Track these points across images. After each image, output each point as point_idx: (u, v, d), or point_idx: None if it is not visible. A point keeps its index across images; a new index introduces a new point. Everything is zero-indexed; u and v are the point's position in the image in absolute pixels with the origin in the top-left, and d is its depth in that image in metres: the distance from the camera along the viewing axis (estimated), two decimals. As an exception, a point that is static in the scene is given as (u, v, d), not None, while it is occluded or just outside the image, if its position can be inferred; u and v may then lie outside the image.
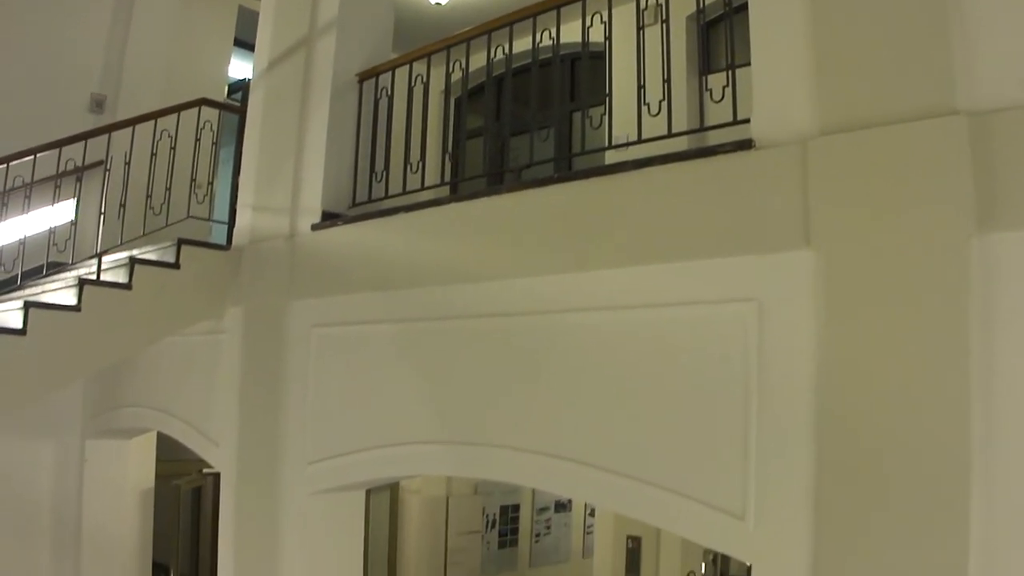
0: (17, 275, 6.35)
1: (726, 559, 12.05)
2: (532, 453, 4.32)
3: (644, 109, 4.38)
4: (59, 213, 6.71)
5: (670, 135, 4.27)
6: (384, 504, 10.89)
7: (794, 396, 3.42)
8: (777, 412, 3.47)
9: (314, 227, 5.84)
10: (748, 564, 11.07)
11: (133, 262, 5.95)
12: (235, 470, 6.21)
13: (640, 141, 4.30)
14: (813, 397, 3.36)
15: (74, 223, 6.67)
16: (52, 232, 6.56)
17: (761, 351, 3.54)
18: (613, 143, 4.52)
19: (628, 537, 9.16)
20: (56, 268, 6.45)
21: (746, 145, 3.71)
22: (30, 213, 6.47)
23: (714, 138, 3.92)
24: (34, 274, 6.44)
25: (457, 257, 4.91)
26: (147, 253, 6.30)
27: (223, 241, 6.68)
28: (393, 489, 11.21)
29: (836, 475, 3.28)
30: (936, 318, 3.11)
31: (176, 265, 6.14)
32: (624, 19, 4.63)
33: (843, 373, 3.31)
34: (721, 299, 3.73)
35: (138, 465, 9.29)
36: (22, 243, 6.43)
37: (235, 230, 6.56)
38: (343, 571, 5.96)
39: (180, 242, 6.22)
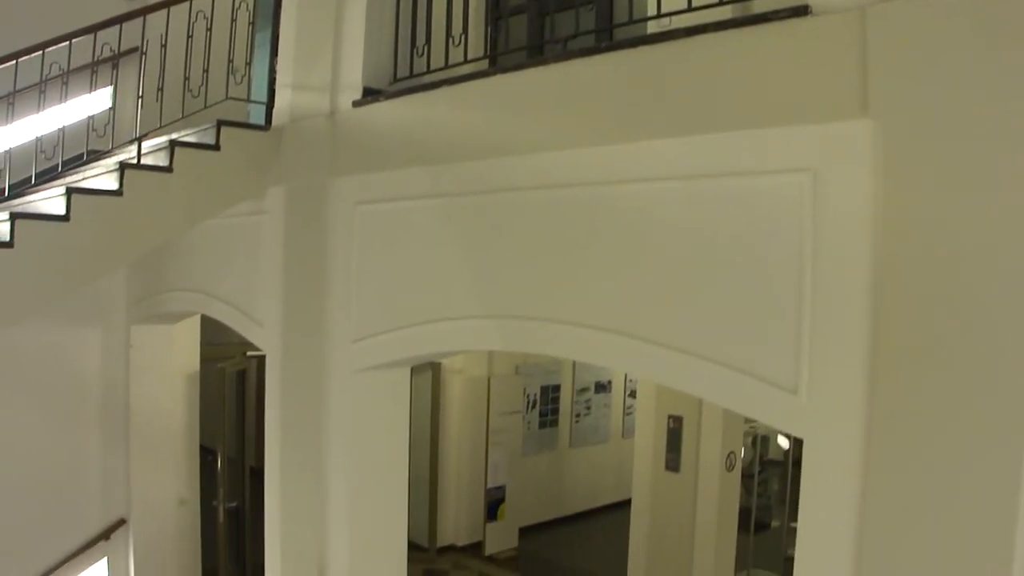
0: (58, 163, 6.35)
1: (766, 441, 12.17)
2: (580, 327, 4.29)
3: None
4: (97, 100, 6.66)
5: (720, 3, 4.10)
6: (426, 384, 11.03)
7: (849, 269, 3.34)
8: (832, 285, 3.40)
9: (355, 104, 5.73)
10: (787, 449, 11.20)
11: (173, 145, 5.90)
12: (280, 350, 6.27)
13: (690, 9, 4.13)
14: (869, 269, 3.28)
15: (112, 109, 6.62)
16: (91, 119, 6.52)
17: (816, 223, 3.45)
18: (660, 12, 4.36)
19: (669, 417, 9.21)
20: (96, 155, 6.44)
21: (802, 11, 3.55)
22: (68, 101, 6.43)
23: (766, 4, 3.76)
24: (74, 161, 6.43)
25: (501, 130, 4.81)
26: (187, 136, 6.25)
27: (262, 122, 6.60)
28: (435, 369, 11.34)
29: (891, 349, 3.22)
30: (996, 189, 3.01)
31: (216, 147, 6.09)
32: None
33: (900, 244, 3.21)
34: (775, 169, 3.62)
35: (183, 349, 9.42)
36: (61, 131, 6.42)
37: (274, 110, 6.47)
38: (389, 448, 6.06)
39: (219, 124, 6.15)
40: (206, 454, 9.81)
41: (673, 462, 9.25)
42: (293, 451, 6.25)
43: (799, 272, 3.49)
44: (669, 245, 3.97)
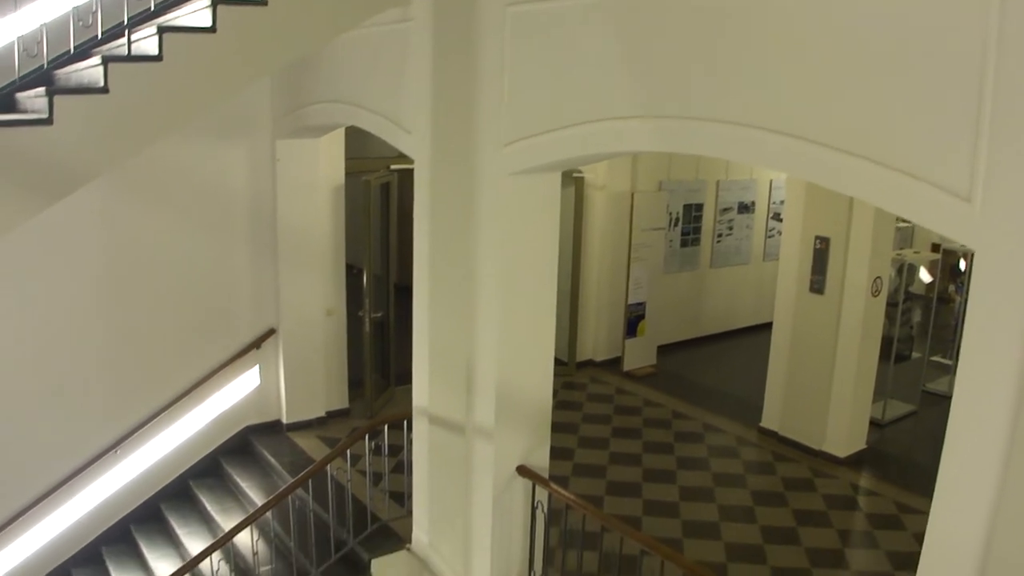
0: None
1: (912, 270, 11.79)
2: (742, 126, 4.06)
3: None
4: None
5: None
6: (569, 200, 10.92)
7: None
8: (1015, 92, 3.08)
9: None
10: (929, 282, 10.81)
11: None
12: (429, 156, 6.23)
13: None
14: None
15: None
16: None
17: (1002, 25, 3.08)
18: None
19: (816, 237, 8.95)
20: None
21: None
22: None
23: None
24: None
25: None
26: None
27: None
28: (578, 185, 11.22)
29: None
30: None
31: (363, -51, 5.89)
32: None
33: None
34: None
35: (328, 163, 9.53)
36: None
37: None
38: (539, 253, 6.04)
39: (365, -76, 5.93)
40: (352, 272, 9.99)
41: (818, 284, 9.06)
42: (442, 258, 6.29)
43: (980, 75, 3.17)
44: (842, 40, 3.67)
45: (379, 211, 10.02)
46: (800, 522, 7.74)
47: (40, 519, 8.44)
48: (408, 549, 7.10)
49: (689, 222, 13.13)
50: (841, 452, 9.05)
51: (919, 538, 5.40)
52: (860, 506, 8.17)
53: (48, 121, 4.84)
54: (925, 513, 3.57)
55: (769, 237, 14.23)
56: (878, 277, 8.84)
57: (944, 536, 3.53)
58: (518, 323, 5.94)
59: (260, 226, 9.30)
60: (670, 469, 8.84)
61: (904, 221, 14.29)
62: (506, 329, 5.89)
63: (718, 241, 13.68)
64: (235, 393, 9.45)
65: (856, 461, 9.04)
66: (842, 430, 9.07)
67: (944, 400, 10.62)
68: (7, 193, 4.79)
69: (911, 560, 6.27)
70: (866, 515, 7.98)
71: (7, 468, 8.22)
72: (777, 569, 6.98)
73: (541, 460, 6.26)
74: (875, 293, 8.87)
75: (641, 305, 11.90)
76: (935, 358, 11.85)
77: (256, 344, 9.40)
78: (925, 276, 12.38)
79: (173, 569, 6.81)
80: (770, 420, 9.75)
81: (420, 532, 6.95)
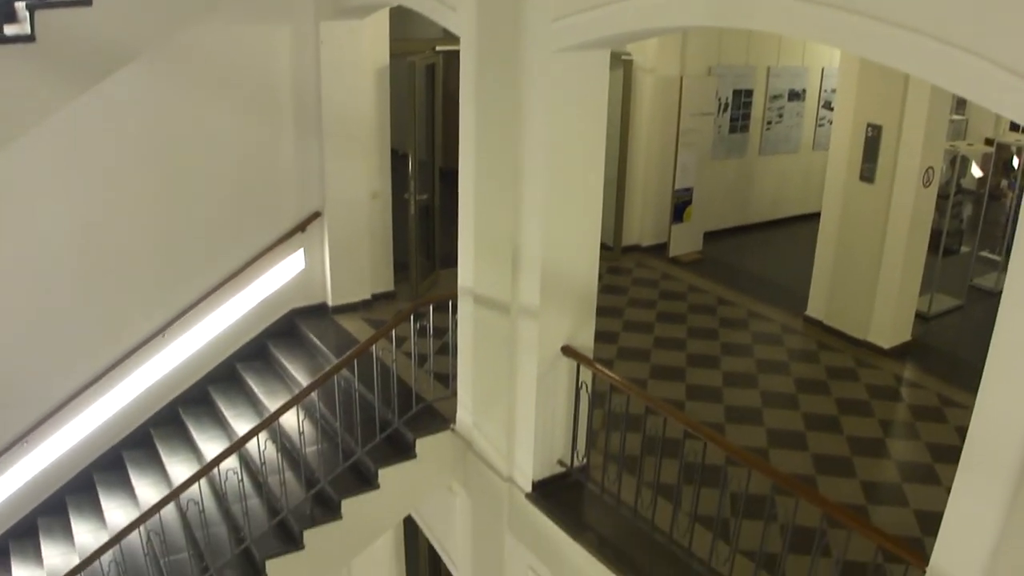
0: None
1: (965, 163, 11.49)
2: (808, 1, 3.89)
3: None
4: None
5: None
6: (617, 83, 10.74)
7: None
8: None
9: None
10: (980, 177, 10.60)
11: None
12: (475, 34, 6.08)
13: None
14: None
15: None
16: None
17: None
18: None
19: (868, 125, 8.74)
20: None
21: None
22: None
23: None
24: None
25: None
26: None
27: None
28: (626, 67, 11.03)
29: None
30: None
31: None
32: None
33: None
34: None
35: (372, 44, 9.38)
36: None
37: None
38: (586, 134, 5.97)
39: None
40: (396, 156, 9.92)
41: (868, 172, 8.90)
42: (488, 139, 6.20)
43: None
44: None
45: (424, 94, 9.90)
46: (842, 411, 7.75)
47: (90, 403, 8.66)
48: (452, 429, 7.20)
49: (738, 108, 12.86)
50: (885, 343, 9.00)
51: (961, 432, 5.41)
52: (903, 397, 8.16)
53: (87, 2, 4.78)
54: (968, 407, 3.55)
55: (819, 126, 13.93)
56: (930, 167, 8.63)
57: (988, 431, 3.52)
58: (565, 203, 5.89)
59: (305, 109, 9.20)
60: (714, 355, 8.86)
61: (958, 114, 13.96)
62: (552, 209, 5.84)
63: (767, 128, 13.42)
64: (280, 276, 9.50)
65: (900, 353, 8.99)
66: (887, 321, 9.00)
67: (991, 296, 10.52)
68: (52, 74, 4.83)
69: (952, 453, 6.26)
70: (908, 406, 7.97)
71: (57, 353, 8.42)
72: (818, 456, 7.02)
73: (586, 341, 6.28)
74: (926, 184, 8.68)
75: (688, 191, 11.76)
76: (984, 253, 11.63)
77: (301, 227, 9.40)
78: (976, 171, 12.11)
79: (221, 450, 6.94)
80: (815, 309, 9.70)
81: (464, 413, 7.04)
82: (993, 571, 3.53)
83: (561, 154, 5.80)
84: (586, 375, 6.15)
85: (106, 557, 6.78)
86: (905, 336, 9.15)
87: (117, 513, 8.32)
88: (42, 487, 8.74)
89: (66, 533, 8.54)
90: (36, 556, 8.48)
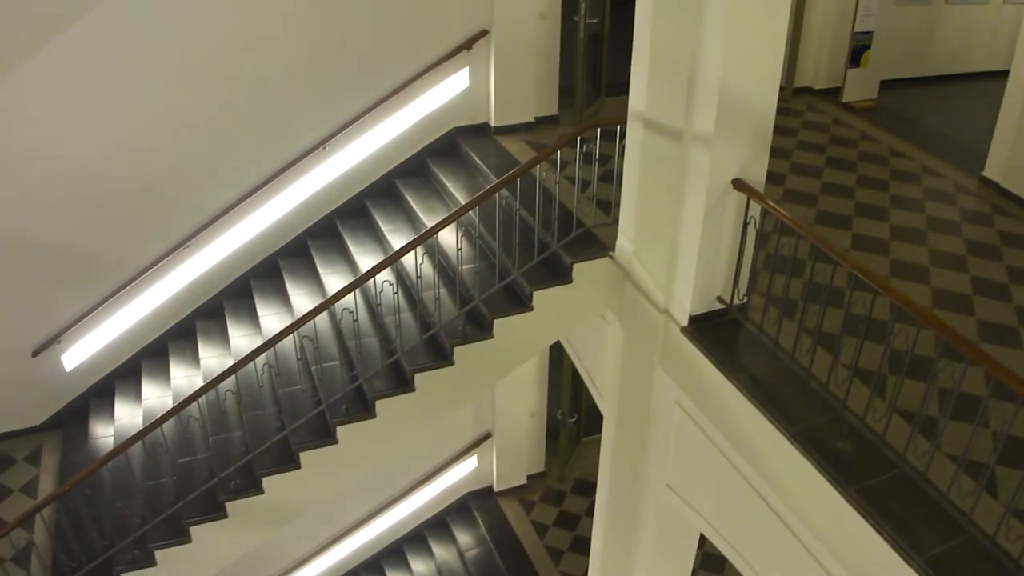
0: None
1: None
2: None
3: None
4: None
5: None
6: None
7: None
8: None
9: None
10: None
11: None
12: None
13: None
14: None
15: None
16: None
17: None
18: None
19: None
20: None
21: None
22: None
23: None
24: None
25: None
26: None
27: None
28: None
29: None
30: None
31: None
32: None
33: None
34: None
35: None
36: None
37: None
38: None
39: None
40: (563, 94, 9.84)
41: (1068, 27, 8.22)
42: (659, 70, 6.01)
43: None
44: None
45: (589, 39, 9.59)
46: (1013, 279, 7.36)
47: (251, 213, 8.97)
48: (611, 257, 7.17)
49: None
50: (1068, 210, 8.50)
51: None
52: (1082, 272, 7.72)
53: None
54: None
55: None
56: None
57: None
58: (747, 29, 5.56)
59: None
60: (883, 206, 8.50)
61: None
62: (735, 34, 5.52)
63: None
64: (444, 94, 9.47)
65: (1083, 223, 8.47)
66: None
67: None
68: None
69: None
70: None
71: (223, 162, 8.71)
72: (984, 323, 6.72)
73: (758, 176, 6.05)
74: None
75: (868, 35, 11.09)
76: None
77: (467, 45, 9.28)
78: None
79: (375, 262, 7.04)
80: (993, 170, 9.14)
81: (625, 240, 6.97)
82: None
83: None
84: (755, 211, 5.98)
85: (260, 360, 7.06)
86: (1090, 205, 8.61)
87: (271, 319, 8.68)
88: (201, 291, 9.20)
89: (223, 335, 8.98)
90: (193, 356, 8.98)
